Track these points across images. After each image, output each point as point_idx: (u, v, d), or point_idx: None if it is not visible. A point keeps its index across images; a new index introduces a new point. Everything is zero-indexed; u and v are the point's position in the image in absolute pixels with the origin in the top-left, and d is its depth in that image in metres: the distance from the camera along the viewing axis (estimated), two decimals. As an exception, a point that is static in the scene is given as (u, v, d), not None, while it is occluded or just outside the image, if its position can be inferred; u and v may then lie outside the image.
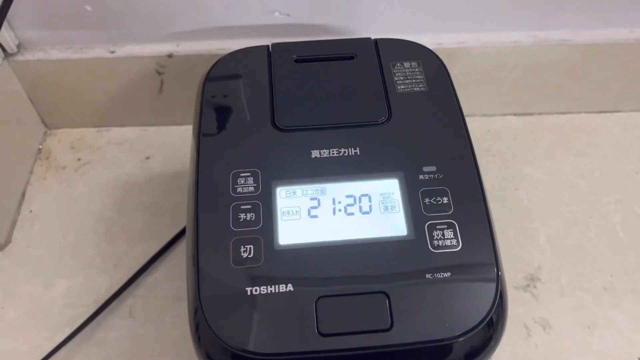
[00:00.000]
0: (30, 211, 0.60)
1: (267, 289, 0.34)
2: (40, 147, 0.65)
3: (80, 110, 0.64)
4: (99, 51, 0.58)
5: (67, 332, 0.51)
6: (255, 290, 0.34)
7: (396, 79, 0.44)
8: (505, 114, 0.68)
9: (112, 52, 0.58)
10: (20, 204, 0.60)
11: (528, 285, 0.55)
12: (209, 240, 0.36)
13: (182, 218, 0.57)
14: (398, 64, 0.45)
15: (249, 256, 0.35)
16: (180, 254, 0.57)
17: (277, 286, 0.34)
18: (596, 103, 0.67)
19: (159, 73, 0.60)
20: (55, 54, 0.58)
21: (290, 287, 0.34)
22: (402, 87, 0.43)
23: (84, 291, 0.55)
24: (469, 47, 0.59)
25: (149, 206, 0.60)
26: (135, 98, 0.63)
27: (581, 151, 0.65)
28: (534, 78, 0.63)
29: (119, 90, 0.62)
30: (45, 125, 0.65)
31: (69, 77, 0.60)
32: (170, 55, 0.58)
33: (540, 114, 0.68)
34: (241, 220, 0.36)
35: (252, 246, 0.35)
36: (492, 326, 0.34)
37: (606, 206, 0.61)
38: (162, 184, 0.62)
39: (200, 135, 0.40)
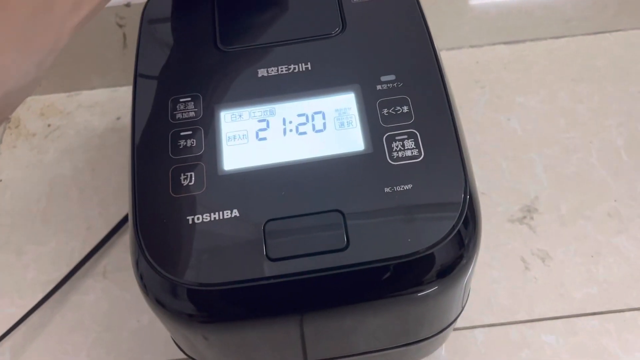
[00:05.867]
0: (0, 180, 0.58)
1: (210, 216, 0.31)
2: (9, 116, 0.62)
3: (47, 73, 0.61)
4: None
5: (41, 297, 0.49)
6: (197, 219, 0.31)
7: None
8: (494, 44, 0.63)
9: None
10: (-10, 175, 0.58)
11: (524, 217, 0.51)
12: (146, 169, 0.33)
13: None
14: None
15: (190, 184, 0.32)
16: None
17: (220, 212, 0.31)
18: (591, 24, 0.62)
19: (120, 26, 0.57)
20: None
21: (235, 212, 0.31)
22: (358, -4, 0.39)
23: (56, 256, 0.52)
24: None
25: (123, 167, 0.58)
26: (101, 56, 0.60)
27: (578, 76, 0.60)
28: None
29: (82, 48, 0.59)
30: (14, 93, 0.63)
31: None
32: (128, 5, 0.55)
33: (532, 40, 0.63)
34: (180, 147, 0.33)
35: (192, 173, 0.32)
36: (461, 240, 0.31)
37: (608, 130, 0.56)
38: (134, 143, 0.59)
39: (138, 62, 0.37)
